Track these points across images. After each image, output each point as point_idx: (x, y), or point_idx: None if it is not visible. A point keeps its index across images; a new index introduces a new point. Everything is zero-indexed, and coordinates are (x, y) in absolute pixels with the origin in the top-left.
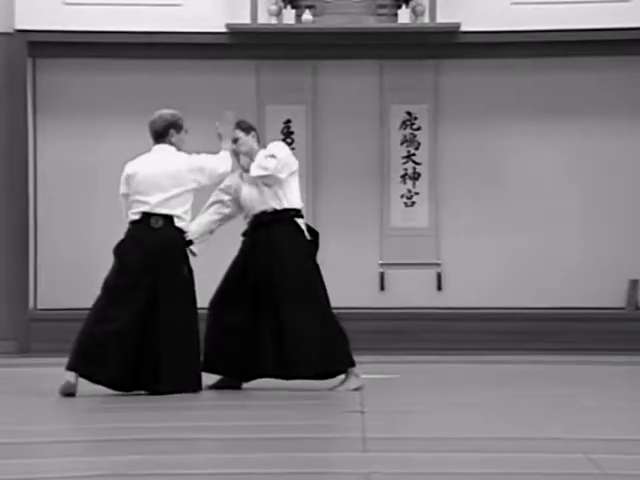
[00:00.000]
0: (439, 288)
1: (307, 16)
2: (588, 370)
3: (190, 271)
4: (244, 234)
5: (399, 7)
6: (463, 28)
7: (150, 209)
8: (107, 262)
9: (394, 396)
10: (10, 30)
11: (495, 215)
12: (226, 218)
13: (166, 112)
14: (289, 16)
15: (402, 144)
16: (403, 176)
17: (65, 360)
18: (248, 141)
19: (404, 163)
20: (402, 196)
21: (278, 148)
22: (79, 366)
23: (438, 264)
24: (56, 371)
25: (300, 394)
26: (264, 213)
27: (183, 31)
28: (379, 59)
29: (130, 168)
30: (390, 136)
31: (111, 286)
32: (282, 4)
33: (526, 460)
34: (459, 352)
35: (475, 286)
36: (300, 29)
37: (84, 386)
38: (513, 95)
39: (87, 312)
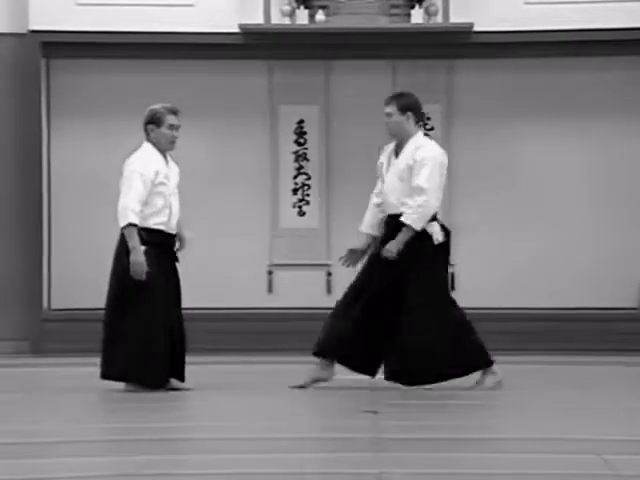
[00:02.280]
0: (453, 287)
1: (320, 16)
2: (599, 371)
3: (127, 267)
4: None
5: (412, 7)
6: (476, 28)
7: None
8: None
9: (407, 396)
10: (24, 31)
11: (508, 215)
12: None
13: (149, 107)
14: (302, 16)
15: None
16: None
17: (79, 360)
18: (401, 122)
19: None
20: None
21: (426, 174)
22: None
23: (452, 264)
24: (69, 371)
25: (314, 393)
26: (394, 216)
27: (196, 31)
28: (392, 59)
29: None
30: None
31: None
32: (295, 4)
33: (539, 460)
34: None
35: (486, 286)
36: (313, 29)
37: (95, 386)
38: (526, 95)
39: (100, 312)
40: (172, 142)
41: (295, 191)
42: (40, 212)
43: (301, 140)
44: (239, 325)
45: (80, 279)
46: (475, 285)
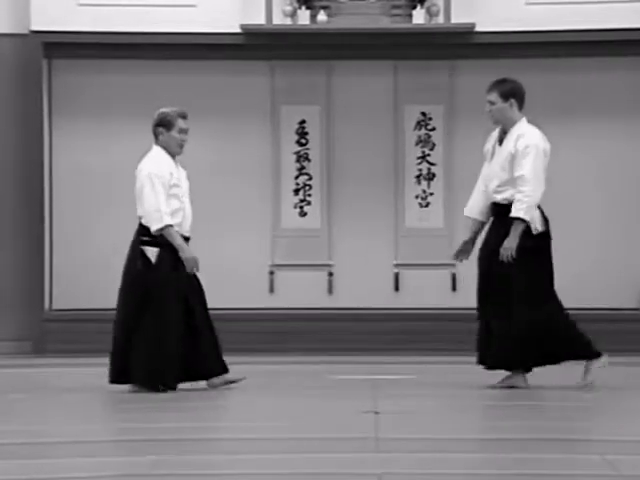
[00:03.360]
0: (454, 289)
1: (322, 17)
2: (602, 371)
3: (149, 266)
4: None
5: (414, 8)
6: (478, 28)
7: None
8: (121, 263)
9: (408, 397)
10: (25, 31)
11: None
12: None
13: (159, 110)
14: (304, 17)
15: (417, 145)
16: (418, 177)
17: (81, 360)
18: (504, 109)
19: (419, 164)
20: (417, 197)
21: (529, 163)
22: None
23: (453, 265)
24: (71, 371)
25: (314, 393)
26: (495, 204)
27: (198, 32)
28: (394, 60)
29: None
30: (405, 137)
31: None
32: (297, 5)
33: (541, 461)
34: (473, 353)
35: None
36: (315, 30)
37: (98, 386)
38: (528, 95)
39: (102, 312)
40: (181, 146)
41: (296, 191)
42: (42, 212)
43: (303, 140)
44: (240, 325)
45: (82, 279)
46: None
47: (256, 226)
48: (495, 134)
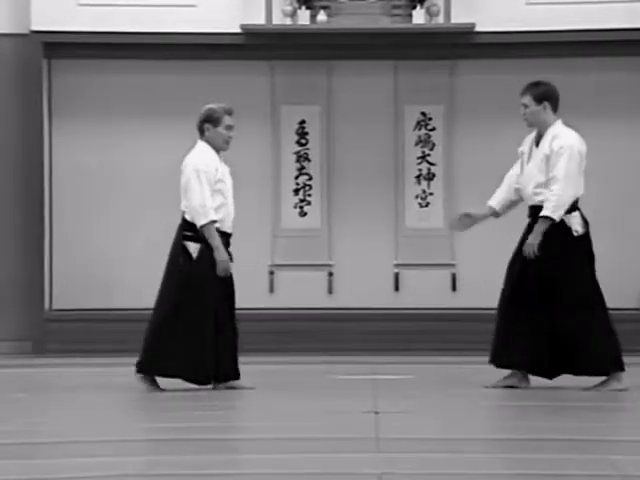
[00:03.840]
0: (454, 289)
1: (322, 17)
2: None
3: (190, 262)
4: None
5: (414, 7)
6: (478, 28)
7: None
8: (122, 263)
9: (408, 397)
10: (25, 31)
11: (510, 215)
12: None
13: (206, 106)
14: (304, 17)
15: (417, 145)
16: (418, 177)
17: (82, 360)
18: (537, 112)
19: (419, 164)
20: (417, 197)
21: (562, 164)
22: None
23: (453, 265)
24: (71, 371)
25: (314, 393)
26: (532, 207)
27: (198, 32)
28: (394, 59)
29: None
30: (405, 137)
31: None
32: (297, 5)
33: (543, 461)
34: (474, 353)
35: (490, 287)
36: (315, 30)
37: (99, 385)
38: None
39: (101, 312)
40: (227, 142)
41: (296, 191)
42: (42, 212)
43: (303, 140)
44: (240, 325)
45: (83, 279)
46: (478, 286)
47: (256, 226)
48: (532, 136)
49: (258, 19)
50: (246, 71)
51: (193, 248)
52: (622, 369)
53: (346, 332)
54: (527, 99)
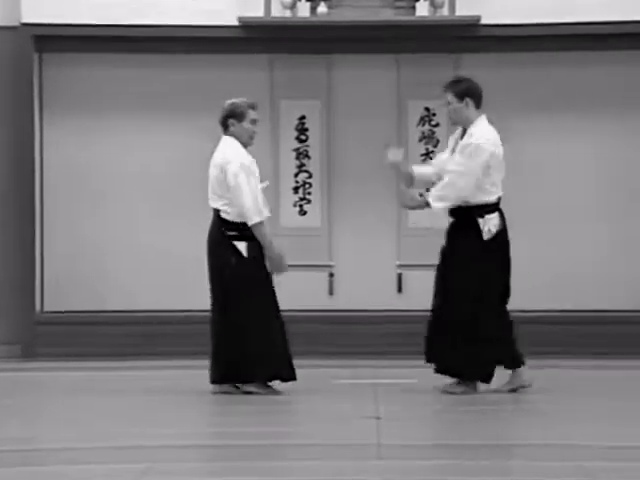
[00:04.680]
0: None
1: (322, 9)
2: (603, 375)
3: (241, 263)
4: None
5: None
6: (483, 21)
7: (210, 203)
8: (115, 264)
9: (411, 402)
10: (16, 24)
11: (517, 214)
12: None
13: (229, 101)
14: (303, 9)
15: (420, 141)
16: None
17: (73, 364)
18: (460, 109)
19: (422, 161)
20: (421, 195)
21: (459, 159)
22: None
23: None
24: (62, 375)
25: (314, 398)
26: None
27: (195, 25)
28: (396, 53)
29: None
30: (408, 133)
31: None
32: None
33: (529, 468)
34: None
35: None
36: (315, 22)
37: (90, 389)
38: (536, 91)
39: (95, 314)
40: (252, 137)
41: (296, 189)
42: (32, 211)
43: (302, 137)
44: None
45: (74, 280)
46: None
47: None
48: (457, 132)
49: (257, 11)
50: (244, 65)
51: (242, 247)
52: (484, 381)
53: (347, 335)
54: (449, 96)
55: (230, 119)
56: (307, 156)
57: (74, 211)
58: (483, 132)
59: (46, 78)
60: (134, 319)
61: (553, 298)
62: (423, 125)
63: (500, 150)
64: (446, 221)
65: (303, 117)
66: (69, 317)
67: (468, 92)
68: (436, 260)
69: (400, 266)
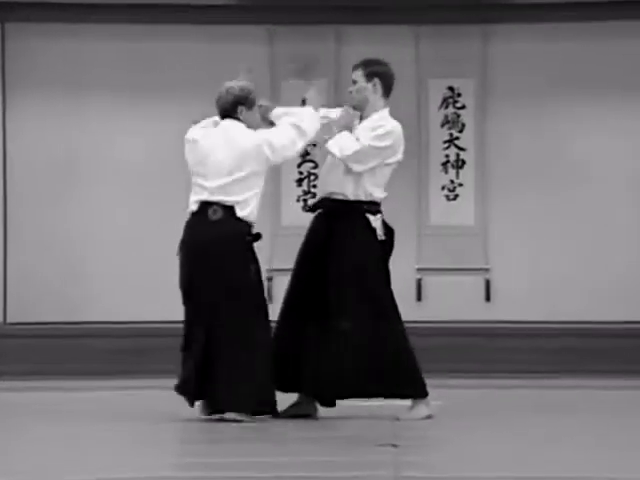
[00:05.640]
0: (487, 298)
1: None
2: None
3: (258, 272)
4: (313, 211)
5: None
6: None
7: (208, 196)
8: (90, 268)
9: (433, 427)
10: None
11: (555, 210)
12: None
13: (234, 85)
14: None
15: (443, 126)
16: (444, 164)
17: (40, 384)
18: (365, 90)
19: (446, 148)
20: (443, 188)
21: (376, 132)
22: None
23: (486, 269)
24: (29, 397)
25: (322, 423)
26: (331, 200)
27: None
28: (415, 24)
29: (191, 134)
30: (429, 116)
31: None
32: None
33: None
34: (511, 375)
35: (531, 296)
36: None
37: (59, 412)
38: (577, 66)
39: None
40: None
41: (300, 182)
42: None
43: None
44: None
45: (42, 287)
46: (516, 295)
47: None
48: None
49: None
50: (241, 38)
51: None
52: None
53: None
54: (357, 74)
55: (240, 105)
56: (312, 144)
57: (43, 207)
58: (394, 125)
59: (9, 52)
60: (113, 332)
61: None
62: (446, 107)
63: (399, 157)
64: (472, 218)
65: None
66: (38, 329)
67: (379, 74)
68: (462, 264)
69: (420, 270)
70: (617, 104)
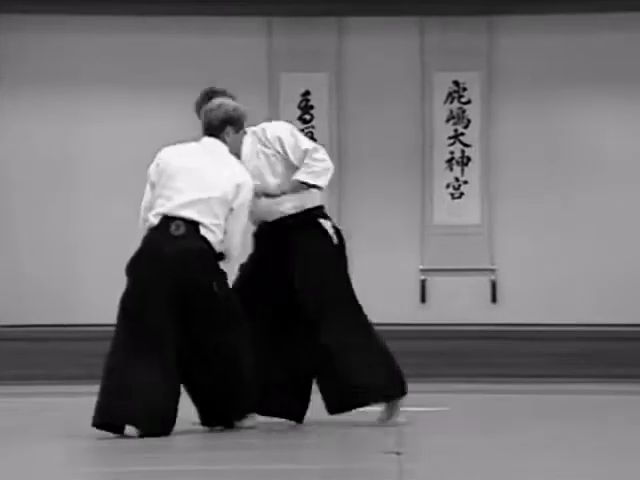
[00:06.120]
0: (493, 300)
1: None
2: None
3: (222, 287)
4: (256, 238)
5: None
6: None
7: (171, 210)
8: (82, 268)
9: (438, 434)
10: None
11: (563, 209)
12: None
13: (228, 103)
14: None
15: (448, 121)
16: (449, 161)
17: (24, 389)
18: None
19: (450, 145)
20: (448, 186)
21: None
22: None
23: (492, 270)
24: (17, 403)
25: (324, 429)
26: (281, 219)
27: None
28: (419, 15)
29: (164, 153)
30: (433, 111)
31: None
32: None
33: None
34: (518, 379)
35: (538, 297)
36: None
37: (49, 423)
38: (587, 60)
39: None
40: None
41: None
42: None
43: (307, 116)
44: None
45: (35, 288)
46: (523, 296)
47: (248, 225)
48: None
49: None
50: (238, 30)
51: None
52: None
53: None
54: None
55: (229, 126)
56: (312, 139)
57: (34, 204)
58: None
59: (3, 45)
60: (106, 334)
61: None
62: (451, 102)
63: None
64: (477, 217)
65: (307, 93)
66: (26, 332)
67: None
68: (467, 264)
69: (424, 271)
70: (629, 98)
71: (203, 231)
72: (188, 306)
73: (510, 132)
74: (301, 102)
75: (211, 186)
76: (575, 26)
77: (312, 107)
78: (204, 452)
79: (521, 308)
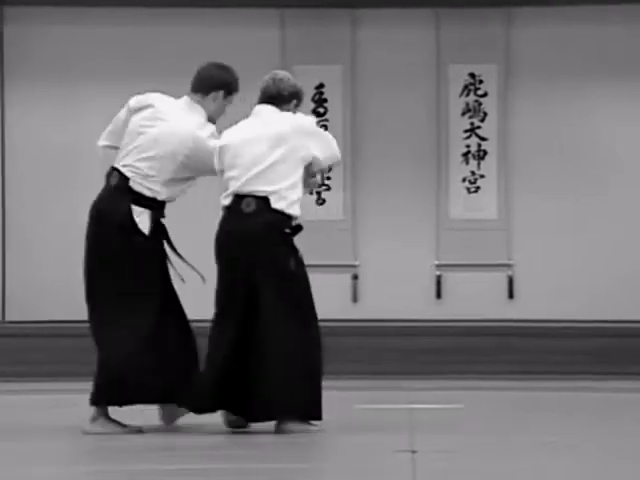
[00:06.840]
0: (511, 296)
1: None
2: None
3: (300, 265)
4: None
5: None
6: None
7: (240, 188)
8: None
9: (454, 432)
10: None
11: (582, 203)
12: None
13: (290, 78)
14: None
15: (464, 114)
16: (465, 154)
17: (40, 386)
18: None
19: (466, 138)
20: (464, 180)
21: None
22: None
23: (509, 265)
24: (32, 400)
25: (336, 426)
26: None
27: None
28: (436, 6)
29: (224, 137)
30: (449, 104)
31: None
32: None
33: None
34: (535, 377)
35: (556, 293)
36: None
37: (66, 421)
38: (607, 52)
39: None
40: None
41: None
42: None
43: (320, 109)
44: None
45: (42, 285)
46: (541, 292)
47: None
48: None
49: None
50: (249, 21)
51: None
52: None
53: (375, 350)
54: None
55: (295, 99)
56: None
57: (43, 199)
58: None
59: (8, 37)
60: None
61: None
62: (467, 95)
63: None
64: (494, 211)
65: (321, 85)
66: (36, 328)
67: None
68: (483, 259)
69: (439, 267)
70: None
71: (274, 202)
72: (259, 291)
73: (527, 125)
74: (315, 95)
75: (267, 153)
76: (593, 17)
77: (326, 100)
78: (211, 451)
79: (538, 304)
